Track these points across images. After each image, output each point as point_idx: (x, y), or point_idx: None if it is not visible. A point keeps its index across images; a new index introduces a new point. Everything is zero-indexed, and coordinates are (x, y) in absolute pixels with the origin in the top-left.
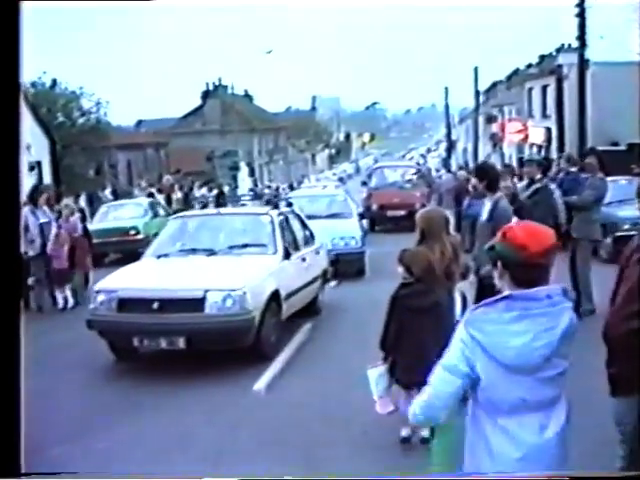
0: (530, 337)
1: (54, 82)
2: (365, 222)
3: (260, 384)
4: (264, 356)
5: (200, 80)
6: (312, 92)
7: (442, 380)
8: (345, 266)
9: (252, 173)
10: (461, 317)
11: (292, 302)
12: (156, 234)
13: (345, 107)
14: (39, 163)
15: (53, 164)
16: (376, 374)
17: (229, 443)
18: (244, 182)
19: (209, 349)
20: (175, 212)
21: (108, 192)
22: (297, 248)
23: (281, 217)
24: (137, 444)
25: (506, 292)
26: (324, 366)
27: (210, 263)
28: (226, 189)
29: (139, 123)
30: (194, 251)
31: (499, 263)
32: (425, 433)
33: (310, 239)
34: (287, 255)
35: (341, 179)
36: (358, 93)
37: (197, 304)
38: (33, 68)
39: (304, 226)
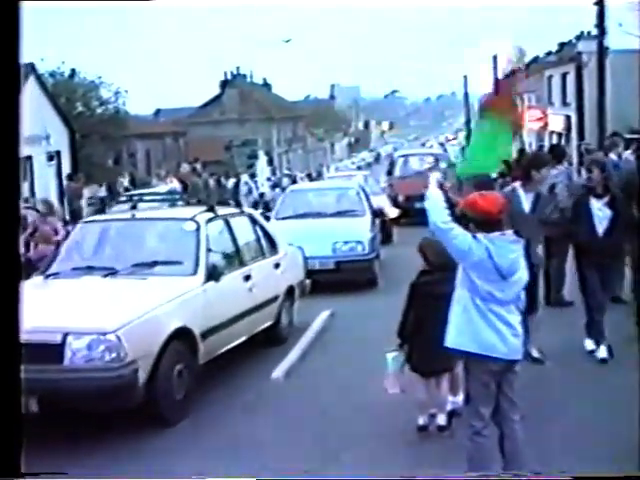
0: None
1: (73, 72)
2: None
3: (278, 371)
4: (165, 422)
5: (219, 69)
6: (331, 81)
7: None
8: (349, 276)
9: (271, 162)
10: None
11: (221, 338)
12: None
13: (364, 95)
14: (58, 153)
15: (72, 154)
16: (393, 355)
17: (247, 429)
18: (263, 171)
19: (71, 411)
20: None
21: (126, 181)
22: (241, 263)
23: (216, 223)
24: (151, 427)
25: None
26: (342, 353)
27: (99, 288)
28: (244, 178)
29: (157, 112)
30: (90, 270)
31: (471, 225)
32: (442, 421)
33: (269, 249)
34: (214, 275)
35: (360, 168)
36: (377, 81)
37: (54, 352)
38: (52, 58)
39: (263, 232)
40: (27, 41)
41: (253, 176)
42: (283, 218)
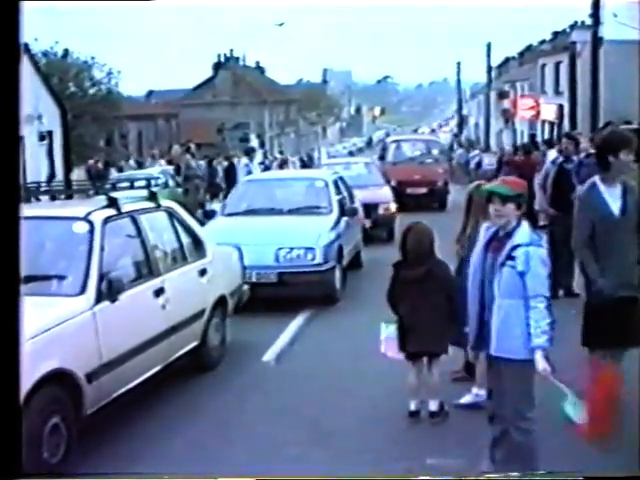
0: None
1: (66, 52)
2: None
3: (269, 355)
4: None
5: (211, 51)
6: (323, 65)
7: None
8: (296, 292)
9: (262, 145)
10: None
11: (120, 376)
12: None
13: (356, 80)
14: (50, 133)
15: (64, 134)
16: (386, 323)
17: (237, 413)
18: (255, 154)
19: None
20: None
21: (132, 162)
22: (151, 273)
23: (118, 222)
24: (143, 413)
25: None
26: (333, 338)
27: None
28: (236, 161)
29: (150, 94)
30: None
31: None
32: (433, 407)
33: (193, 252)
34: (108, 294)
35: (351, 153)
36: (370, 66)
37: None
38: (45, 37)
39: (186, 231)
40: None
41: (251, 158)
42: (230, 214)
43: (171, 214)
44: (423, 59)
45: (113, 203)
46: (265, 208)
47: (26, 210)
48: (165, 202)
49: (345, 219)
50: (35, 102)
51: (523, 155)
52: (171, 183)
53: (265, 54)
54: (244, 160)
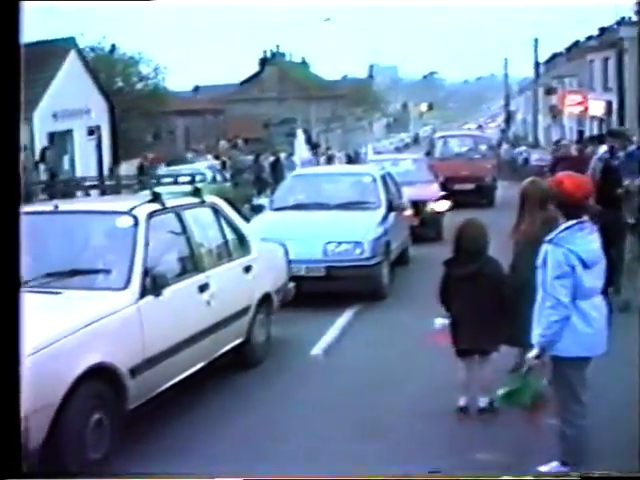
0: (597, 243)
1: (113, 47)
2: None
3: (318, 349)
4: None
5: (258, 47)
6: (369, 61)
7: (559, 287)
8: (343, 286)
9: (309, 141)
10: None
11: (162, 371)
12: None
13: (402, 76)
14: (98, 127)
15: (112, 129)
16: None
17: (284, 407)
18: (302, 149)
19: None
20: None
21: (190, 155)
22: (196, 269)
23: (162, 217)
24: (193, 407)
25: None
26: (382, 333)
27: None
28: (282, 156)
29: (196, 89)
30: None
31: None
32: (483, 403)
33: (238, 248)
34: (153, 288)
35: (398, 149)
36: (416, 62)
37: None
38: (93, 33)
39: (231, 227)
40: (67, 16)
41: (315, 153)
42: (279, 209)
43: (215, 210)
44: (469, 54)
45: (157, 198)
46: (313, 203)
47: (71, 204)
48: (209, 198)
49: (393, 215)
50: (83, 97)
51: (577, 151)
52: (219, 178)
53: (311, 50)
54: (306, 154)
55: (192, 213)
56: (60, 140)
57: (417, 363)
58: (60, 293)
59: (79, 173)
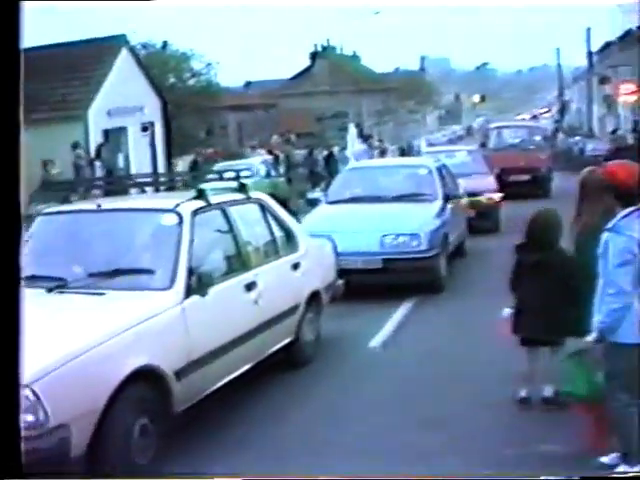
0: None
1: (164, 44)
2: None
3: (376, 341)
4: None
5: (308, 41)
6: (420, 52)
7: (621, 274)
8: (400, 278)
9: (361, 134)
10: None
11: (209, 373)
12: (270, 195)
13: (455, 67)
14: (152, 124)
15: (165, 125)
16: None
17: (344, 400)
18: (354, 143)
19: None
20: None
21: (249, 150)
22: (243, 267)
23: (207, 214)
24: (256, 401)
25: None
26: (440, 324)
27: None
28: (336, 150)
29: (248, 84)
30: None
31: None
32: (547, 393)
33: (286, 245)
34: (198, 288)
35: (451, 141)
36: (468, 53)
37: None
38: (144, 29)
39: (278, 224)
40: (119, 13)
41: (370, 145)
42: (334, 202)
43: (262, 206)
44: (522, 44)
45: (201, 195)
46: (369, 195)
47: (114, 203)
48: (255, 194)
49: (449, 207)
50: (136, 93)
51: (635, 140)
52: (273, 173)
53: (361, 43)
54: (361, 146)
55: (238, 209)
56: (114, 137)
57: (476, 355)
58: (103, 294)
59: (134, 170)
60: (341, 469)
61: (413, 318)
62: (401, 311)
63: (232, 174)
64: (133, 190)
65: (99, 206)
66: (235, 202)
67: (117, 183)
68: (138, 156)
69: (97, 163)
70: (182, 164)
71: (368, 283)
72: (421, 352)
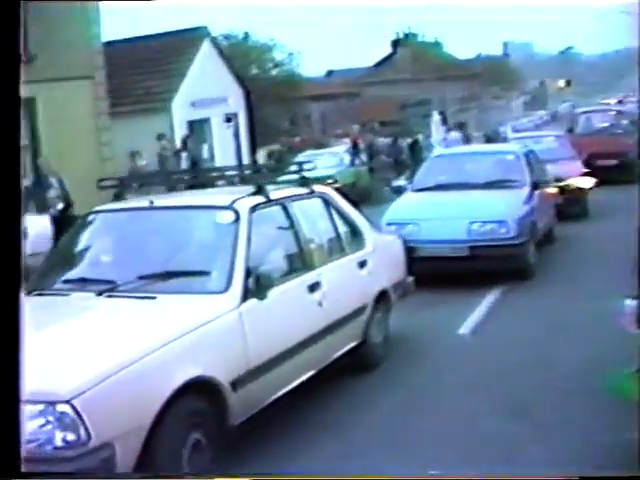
0: None
1: (246, 34)
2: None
3: (465, 328)
4: None
5: (389, 29)
6: (503, 38)
7: None
8: (487, 265)
9: (445, 121)
10: None
11: (269, 383)
12: (354, 184)
13: (538, 51)
14: (235, 115)
15: (249, 115)
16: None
17: (432, 385)
18: (439, 131)
19: None
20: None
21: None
22: (305, 267)
23: (266, 211)
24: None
25: None
26: (529, 312)
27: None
28: (420, 137)
29: (330, 73)
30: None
31: None
32: None
33: (352, 242)
34: (257, 291)
35: (537, 126)
36: (552, 37)
37: None
38: (226, 21)
39: (343, 219)
40: (199, 5)
41: (429, 136)
42: (420, 190)
43: (326, 201)
44: (605, 27)
45: (260, 190)
46: (455, 183)
47: (167, 200)
48: (319, 187)
49: (538, 193)
50: (219, 85)
51: None
52: (356, 162)
53: (443, 30)
54: (455, 134)
55: (300, 205)
56: (198, 128)
57: (567, 342)
58: (154, 298)
59: (218, 161)
60: (426, 452)
61: (502, 306)
62: (490, 298)
63: (310, 165)
64: (219, 182)
65: (151, 203)
66: (297, 197)
67: (201, 175)
68: (222, 147)
69: (183, 154)
70: (263, 154)
71: (455, 271)
72: (511, 339)
